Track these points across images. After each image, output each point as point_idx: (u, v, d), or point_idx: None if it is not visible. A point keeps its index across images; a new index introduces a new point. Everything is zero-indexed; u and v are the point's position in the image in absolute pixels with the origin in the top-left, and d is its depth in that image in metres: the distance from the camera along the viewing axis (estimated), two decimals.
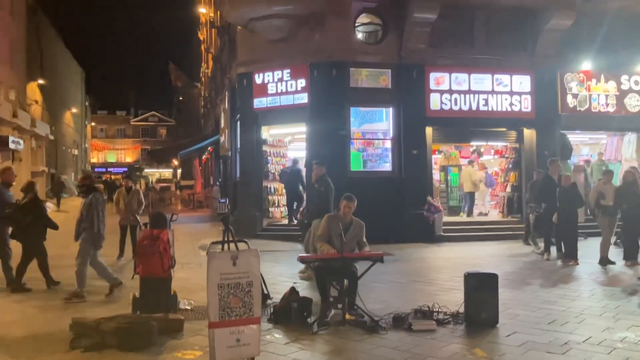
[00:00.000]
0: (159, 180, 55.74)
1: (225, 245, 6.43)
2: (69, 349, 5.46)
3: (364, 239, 7.04)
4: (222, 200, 6.89)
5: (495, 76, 15.71)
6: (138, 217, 11.52)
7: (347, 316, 6.46)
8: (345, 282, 6.66)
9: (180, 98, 68.46)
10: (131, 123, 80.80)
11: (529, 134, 16.08)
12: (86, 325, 5.71)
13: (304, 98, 15.19)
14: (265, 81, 15.77)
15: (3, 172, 9.20)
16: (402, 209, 14.60)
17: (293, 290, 6.84)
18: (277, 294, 7.49)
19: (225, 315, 3.99)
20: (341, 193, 7.31)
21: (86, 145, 69.82)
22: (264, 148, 16.55)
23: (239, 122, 17.39)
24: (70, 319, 5.98)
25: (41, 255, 8.74)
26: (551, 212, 11.26)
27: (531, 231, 12.95)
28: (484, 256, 12.13)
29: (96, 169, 71.09)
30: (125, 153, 79.62)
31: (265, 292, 7.24)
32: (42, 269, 8.74)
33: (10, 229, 8.76)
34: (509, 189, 16.63)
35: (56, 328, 6.17)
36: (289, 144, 18.07)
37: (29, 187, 9.19)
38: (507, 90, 15.80)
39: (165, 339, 5.72)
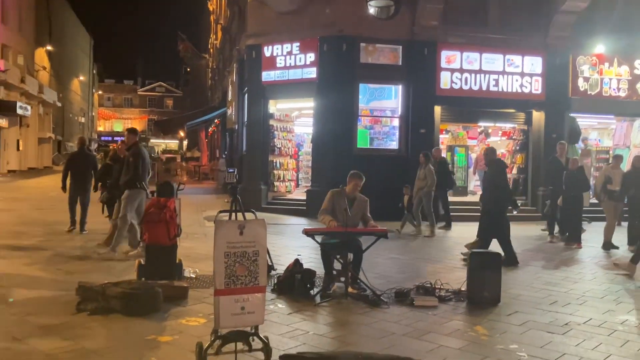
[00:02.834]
0: (164, 151, 55.72)
1: (233, 215, 6.45)
2: (75, 312, 5.53)
3: (368, 214, 7.05)
4: (231, 170, 6.87)
5: (507, 56, 15.53)
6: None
7: (350, 289, 6.51)
8: (350, 255, 6.70)
9: (188, 69, 68.18)
10: (138, 93, 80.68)
11: (537, 116, 15.96)
12: (92, 289, 5.77)
13: (312, 72, 15.09)
14: (274, 54, 15.66)
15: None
16: None
17: (297, 262, 6.88)
18: (281, 265, 7.56)
19: (231, 283, 4.02)
20: (347, 170, 7.30)
21: (93, 114, 69.79)
22: (271, 122, 16.49)
23: (246, 95, 17.32)
24: (76, 282, 6.05)
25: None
26: (557, 194, 11.27)
27: (405, 212, 12.63)
28: None
29: (102, 138, 71.18)
30: (131, 123, 79.52)
31: (270, 263, 7.31)
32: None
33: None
34: (515, 171, 16.54)
35: (63, 291, 6.25)
36: (296, 119, 18.01)
37: (115, 155, 10.07)
38: (518, 71, 15.64)
39: (169, 306, 5.79)
